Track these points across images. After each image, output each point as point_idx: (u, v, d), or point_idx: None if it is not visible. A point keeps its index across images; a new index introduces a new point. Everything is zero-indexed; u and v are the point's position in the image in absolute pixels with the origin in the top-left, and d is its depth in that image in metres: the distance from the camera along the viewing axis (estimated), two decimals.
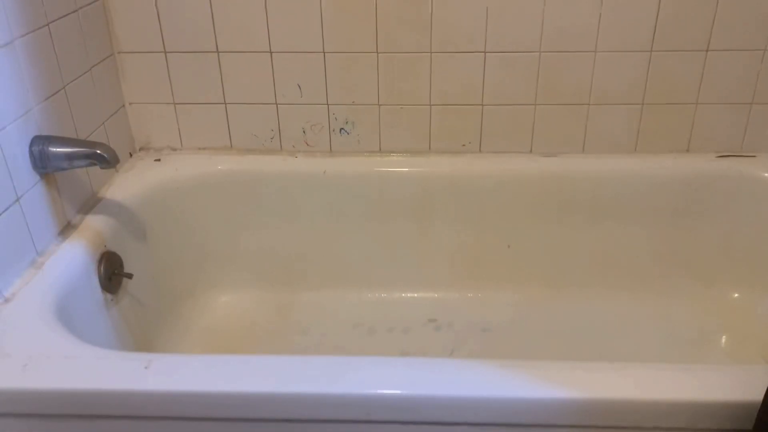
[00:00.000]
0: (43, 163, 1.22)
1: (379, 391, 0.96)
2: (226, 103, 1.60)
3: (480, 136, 1.61)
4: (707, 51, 1.51)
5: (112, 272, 1.33)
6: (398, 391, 0.95)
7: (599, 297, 1.65)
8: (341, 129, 1.62)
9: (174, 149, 1.66)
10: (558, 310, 1.63)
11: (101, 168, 1.29)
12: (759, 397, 0.88)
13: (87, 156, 1.23)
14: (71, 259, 1.24)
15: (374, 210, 1.63)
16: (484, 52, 1.52)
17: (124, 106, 1.59)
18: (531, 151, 1.63)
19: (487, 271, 1.68)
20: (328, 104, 1.59)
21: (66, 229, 1.32)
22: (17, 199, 1.17)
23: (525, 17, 1.49)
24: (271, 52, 1.54)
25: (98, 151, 1.23)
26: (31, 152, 1.21)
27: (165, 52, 1.55)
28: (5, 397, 0.97)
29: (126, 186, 1.50)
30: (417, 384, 0.96)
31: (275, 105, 1.60)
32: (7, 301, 1.13)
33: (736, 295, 1.64)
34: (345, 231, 1.65)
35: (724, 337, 1.57)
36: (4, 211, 1.14)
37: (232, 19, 1.51)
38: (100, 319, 1.29)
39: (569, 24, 1.49)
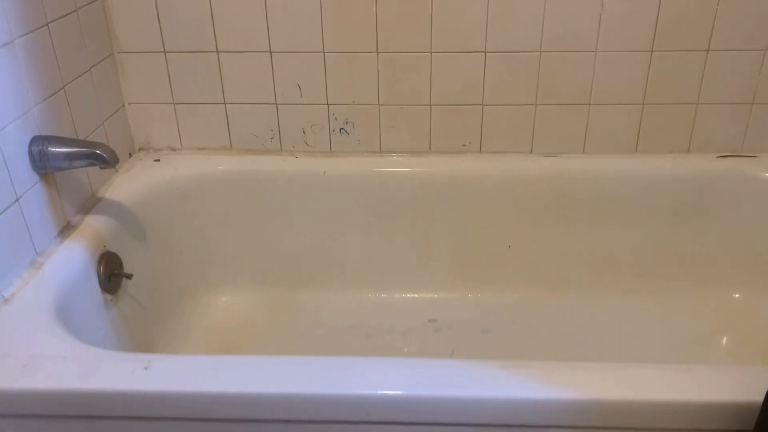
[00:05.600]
0: (42, 163, 1.22)
1: (379, 392, 0.95)
2: (225, 103, 1.60)
3: (480, 136, 1.61)
4: (708, 51, 1.51)
5: (111, 272, 1.33)
6: (398, 392, 0.95)
7: (600, 297, 1.65)
8: (341, 129, 1.62)
9: (173, 149, 1.66)
10: (558, 310, 1.63)
11: (101, 168, 1.30)
12: (759, 397, 0.88)
13: (86, 156, 1.23)
14: (71, 259, 1.24)
15: (374, 210, 1.63)
16: (484, 52, 1.52)
17: (123, 106, 1.59)
18: (531, 151, 1.63)
19: (487, 271, 1.67)
20: (328, 104, 1.59)
21: (65, 229, 1.32)
22: (17, 200, 1.17)
23: (525, 17, 1.48)
24: (270, 52, 1.54)
25: (98, 152, 1.23)
26: (30, 152, 1.21)
27: (165, 52, 1.54)
28: (5, 397, 0.97)
29: (125, 186, 1.50)
30: (417, 384, 0.96)
31: (275, 105, 1.60)
32: (6, 301, 1.12)
33: (737, 295, 1.63)
34: (345, 231, 1.65)
35: (724, 337, 1.57)
36: (3, 212, 1.14)
37: (231, 19, 1.51)
38: (100, 320, 1.29)
39: (570, 24, 1.49)
